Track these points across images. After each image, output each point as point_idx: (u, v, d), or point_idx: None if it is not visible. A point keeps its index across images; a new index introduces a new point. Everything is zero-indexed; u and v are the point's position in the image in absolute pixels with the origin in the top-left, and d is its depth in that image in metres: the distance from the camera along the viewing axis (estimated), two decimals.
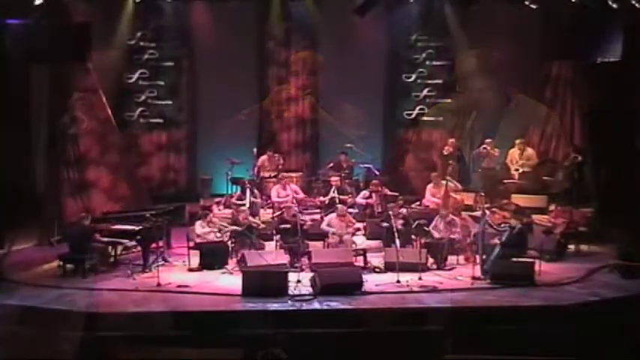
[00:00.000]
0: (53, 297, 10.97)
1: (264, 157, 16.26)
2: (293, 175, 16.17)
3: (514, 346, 9.65)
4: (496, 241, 12.19)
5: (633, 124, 14.71)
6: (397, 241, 12.02)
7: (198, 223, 13.01)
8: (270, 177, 15.90)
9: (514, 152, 15.96)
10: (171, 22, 16.88)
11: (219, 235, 12.91)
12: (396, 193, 14.95)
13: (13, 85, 14.56)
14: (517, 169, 15.87)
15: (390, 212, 13.05)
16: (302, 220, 12.98)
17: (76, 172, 15.01)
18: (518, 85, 16.79)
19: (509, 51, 16.65)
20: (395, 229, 12.26)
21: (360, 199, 14.63)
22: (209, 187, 16.82)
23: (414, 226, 12.93)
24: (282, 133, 17.61)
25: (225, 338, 9.90)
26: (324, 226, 13.17)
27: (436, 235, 12.95)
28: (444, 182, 14.66)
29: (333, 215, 13.26)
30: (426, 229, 13.02)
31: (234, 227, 13.01)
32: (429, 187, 14.86)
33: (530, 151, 15.94)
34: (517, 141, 16.00)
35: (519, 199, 14.58)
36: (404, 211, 13.51)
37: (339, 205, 13.48)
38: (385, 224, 12.90)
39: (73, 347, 9.58)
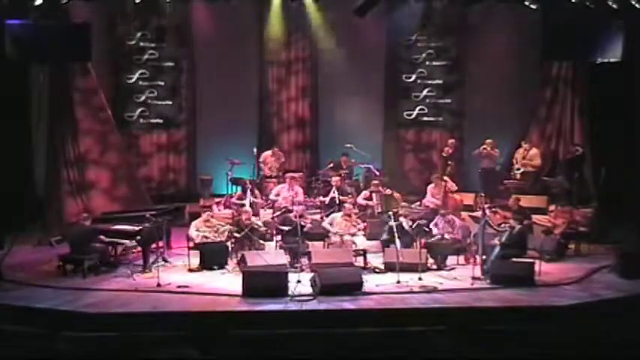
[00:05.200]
0: (53, 297, 10.97)
1: (267, 153, 16.26)
2: (295, 175, 16.14)
3: (514, 346, 9.65)
4: (496, 241, 12.19)
5: (633, 124, 14.72)
6: (397, 241, 12.02)
7: (192, 224, 12.98)
8: (271, 177, 15.90)
9: (518, 152, 15.96)
10: (171, 22, 16.88)
11: (215, 235, 12.88)
12: (400, 194, 14.95)
13: (13, 85, 14.58)
14: (518, 169, 15.88)
15: (401, 211, 13.01)
16: (302, 220, 12.95)
17: (76, 172, 15.01)
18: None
19: (509, 51, 16.71)
20: (395, 230, 12.25)
21: (360, 200, 14.63)
22: (209, 187, 16.82)
23: (414, 226, 12.92)
24: (282, 133, 17.61)
25: (225, 338, 9.90)
26: (325, 224, 13.16)
27: (435, 231, 12.94)
28: (442, 183, 14.64)
29: (338, 215, 13.24)
30: (426, 229, 13.02)
31: (232, 228, 12.99)
32: (430, 187, 14.83)
33: (534, 151, 15.93)
34: (523, 142, 16.00)
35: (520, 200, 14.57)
36: (408, 211, 13.50)
37: (347, 204, 13.42)
38: (393, 223, 12.69)
39: (73, 347, 9.58)
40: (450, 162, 15.67)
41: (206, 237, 12.81)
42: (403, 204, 13.65)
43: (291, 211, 13.46)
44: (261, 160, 16.16)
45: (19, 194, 14.58)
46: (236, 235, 12.84)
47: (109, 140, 15.68)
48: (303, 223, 12.71)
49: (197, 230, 12.82)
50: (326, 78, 17.33)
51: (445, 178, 14.73)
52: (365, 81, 17.09)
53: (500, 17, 16.56)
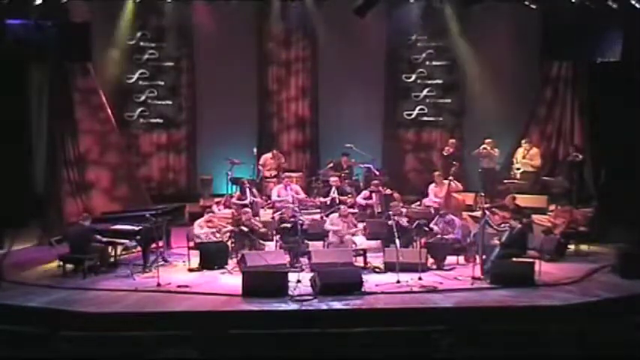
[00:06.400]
0: (53, 297, 10.98)
1: (267, 155, 16.27)
2: (293, 175, 16.18)
3: (514, 346, 9.65)
4: (496, 241, 12.19)
5: (633, 124, 14.71)
6: (397, 241, 12.01)
7: (196, 223, 13.00)
8: (271, 177, 15.91)
9: (519, 151, 15.96)
10: (171, 22, 16.88)
11: (218, 235, 12.90)
12: (399, 194, 14.94)
13: (13, 85, 14.57)
14: (518, 169, 15.88)
15: (391, 212, 13.03)
16: (302, 220, 12.96)
17: (76, 172, 15.01)
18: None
19: (509, 51, 16.70)
20: (395, 229, 12.25)
21: (360, 199, 14.63)
22: (209, 187, 16.82)
23: (414, 226, 12.92)
24: (282, 133, 17.61)
25: (225, 338, 9.90)
26: (327, 225, 13.13)
27: (436, 229, 12.95)
28: (446, 182, 14.63)
29: (336, 215, 13.24)
30: (426, 229, 13.02)
31: (233, 228, 12.99)
32: (432, 187, 14.85)
33: (534, 150, 15.93)
34: (523, 141, 16.00)
35: (519, 199, 14.56)
36: (404, 210, 13.49)
37: (342, 206, 13.44)
38: (390, 221, 12.71)
39: (73, 347, 9.57)
40: (454, 162, 15.63)
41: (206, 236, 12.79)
42: (394, 203, 13.63)
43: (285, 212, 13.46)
44: (261, 162, 16.17)
45: (19, 194, 14.57)
46: (243, 228, 12.80)
47: (109, 140, 15.68)
48: (301, 222, 12.70)
49: (201, 229, 12.84)
50: (326, 78, 17.33)
51: (450, 177, 14.72)
52: (365, 81, 17.09)
53: (500, 17, 16.55)
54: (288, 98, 17.62)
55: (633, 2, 13.73)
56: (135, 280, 11.84)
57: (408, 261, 11.97)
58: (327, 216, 13.77)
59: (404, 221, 12.85)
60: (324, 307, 10.68)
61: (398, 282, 11.57)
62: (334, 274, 11.35)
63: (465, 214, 14.04)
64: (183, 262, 12.69)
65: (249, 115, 17.30)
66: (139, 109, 17.12)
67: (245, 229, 12.86)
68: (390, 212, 12.95)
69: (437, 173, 15.06)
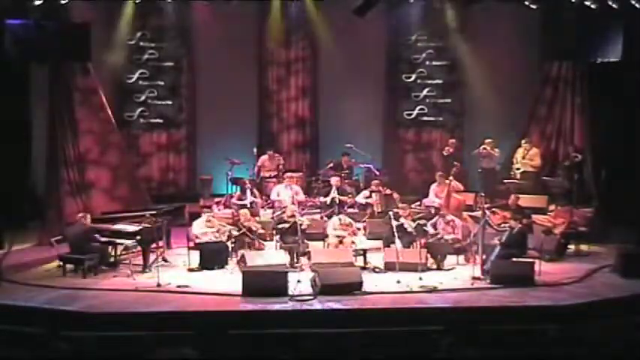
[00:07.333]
0: (53, 297, 10.98)
1: (264, 157, 16.27)
2: (293, 175, 16.16)
3: (514, 346, 9.65)
4: (496, 241, 12.19)
5: (633, 124, 14.71)
6: (397, 241, 12.01)
7: (195, 224, 12.99)
8: (270, 177, 15.91)
9: (519, 151, 15.96)
10: (171, 22, 16.89)
11: (217, 235, 12.89)
12: (399, 194, 14.92)
13: (13, 85, 14.57)
14: (518, 169, 15.88)
15: (399, 212, 13.01)
16: (301, 220, 12.95)
17: (76, 172, 15.00)
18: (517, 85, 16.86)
19: (509, 51, 16.70)
20: (397, 230, 12.24)
21: (360, 199, 14.63)
22: (209, 187, 16.82)
23: (414, 226, 12.91)
24: (282, 133, 17.61)
25: (225, 338, 9.90)
26: (329, 230, 13.08)
27: (432, 231, 12.93)
28: (447, 182, 14.62)
29: (337, 220, 13.19)
30: (426, 229, 13.02)
31: (232, 227, 12.99)
32: (434, 186, 14.82)
33: (534, 150, 15.92)
34: (523, 141, 16.00)
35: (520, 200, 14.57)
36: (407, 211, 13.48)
37: (342, 216, 13.38)
38: (395, 223, 12.68)
39: (73, 347, 9.57)
40: (455, 162, 15.62)
41: (205, 236, 12.79)
42: (402, 204, 13.63)
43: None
44: (259, 164, 16.16)
45: (19, 194, 14.57)
46: (234, 232, 12.83)
47: (109, 140, 15.65)
48: (300, 222, 12.70)
49: (200, 229, 12.83)
50: (326, 78, 17.33)
51: (450, 178, 14.70)
52: (365, 81, 17.09)
53: (500, 17, 16.55)
54: (288, 98, 17.63)
55: (633, 2, 13.74)
56: (135, 280, 11.84)
57: (408, 261, 11.97)
58: (327, 217, 13.76)
59: (411, 225, 12.81)
60: (323, 307, 10.68)
61: (398, 282, 11.57)
62: (334, 274, 11.35)
63: (465, 214, 14.03)
64: (183, 262, 12.68)
65: (249, 115, 17.30)
66: (139, 109, 17.13)
67: (244, 229, 12.86)
68: (394, 212, 12.90)
69: (439, 173, 15.04)
